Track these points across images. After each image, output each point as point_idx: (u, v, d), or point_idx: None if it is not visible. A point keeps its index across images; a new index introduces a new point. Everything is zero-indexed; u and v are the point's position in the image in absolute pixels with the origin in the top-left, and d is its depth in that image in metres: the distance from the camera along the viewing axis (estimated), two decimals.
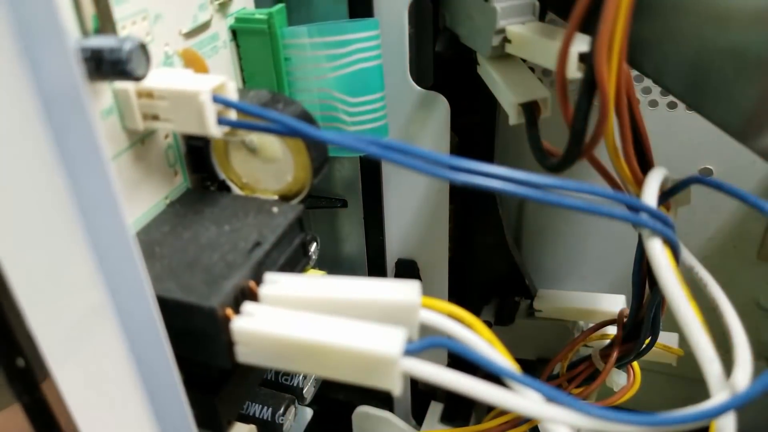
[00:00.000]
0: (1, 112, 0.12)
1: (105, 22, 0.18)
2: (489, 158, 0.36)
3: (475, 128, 0.35)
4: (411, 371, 0.17)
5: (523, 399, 0.16)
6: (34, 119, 0.13)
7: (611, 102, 0.18)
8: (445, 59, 0.31)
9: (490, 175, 0.17)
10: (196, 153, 0.23)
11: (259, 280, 0.19)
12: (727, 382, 0.17)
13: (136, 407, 0.17)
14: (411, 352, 0.17)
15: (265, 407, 0.26)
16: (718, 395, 0.17)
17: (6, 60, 0.12)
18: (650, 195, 0.20)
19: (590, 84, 0.18)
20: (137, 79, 0.17)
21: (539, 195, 0.17)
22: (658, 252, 0.19)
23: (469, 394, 0.16)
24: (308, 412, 0.32)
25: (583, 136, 0.19)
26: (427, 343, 0.17)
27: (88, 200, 0.15)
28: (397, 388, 0.17)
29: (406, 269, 0.36)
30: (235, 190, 0.23)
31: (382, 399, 0.39)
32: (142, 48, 0.17)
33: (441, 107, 0.30)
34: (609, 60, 0.18)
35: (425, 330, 0.18)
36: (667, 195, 0.22)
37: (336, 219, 0.37)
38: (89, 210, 0.15)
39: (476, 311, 0.41)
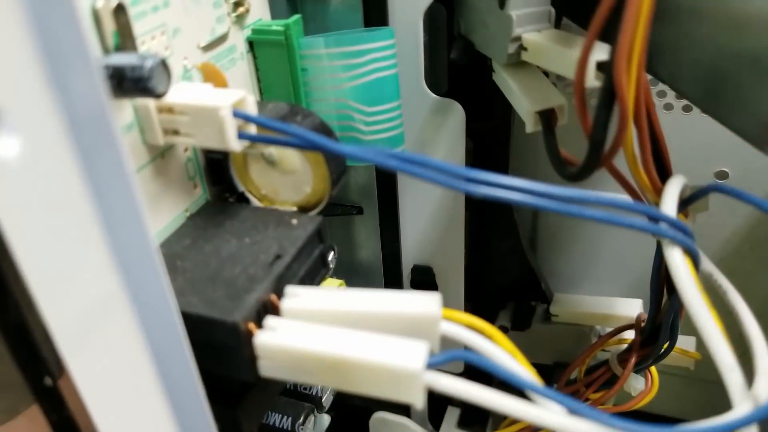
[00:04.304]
0: (34, 134, 0.12)
1: (125, 39, 0.18)
2: (504, 163, 0.36)
3: (490, 133, 0.35)
4: (433, 385, 0.17)
5: (546, 412, 0.16)
6: (63, 139, 0.13)
7: (631, 112, 0.18)
8: (459, 66, 0.31)
9: (510, 188, 0.17)
10: (215, 165, 0.23)
11: (280, 293, 0.19)
12: (749, 392, 0.17)
13: (162, 422, 0.17)
14: (433, 365, 0.17)
15: (285, 416, 0.26)
16: (741, 406, 0.17)
17: (37, 85, 0.12)
18: (670, 204, 0.20)
19: (610, 94, 0.18)
20: (159, 96, 0.17)
21: (559, 207, 0.17)
22: (679, 262, 0.19)
23: (492, 407, 0.16)
24: (326, 419, 0.32)
25: (602, 147, 0.19)
26: (449, 356, 0.17)
27: (114, 217, 0.15)
28: (420, 401, 0.17)
29: (422, 275, 0.36)
30: (254, 201, 0.24)
31: (398, 405, 0.39)
32: (164, 65, 0.17)
33: (456, 114, 0.30)
34: (628, 70, 0.18)
35: (444, 340, 0.18)
36: (685, 203, 0.22)
37: (352, 225, 0.37)
38: (114, 227, 0.15)
39: (492, 316, 0.41)
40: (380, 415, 0.39)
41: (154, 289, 0.16)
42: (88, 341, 0.15)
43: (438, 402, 0.42)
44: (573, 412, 0.16)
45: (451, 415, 0.42)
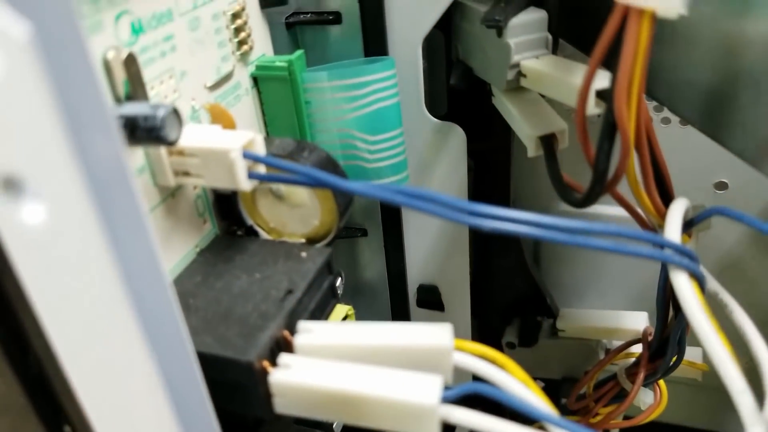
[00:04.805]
0: (56, 197, 0.12)
1: (136, 86, 0.19)
2: (506, 181, 0.36)
3: (491, 152, 0.36)
4: (448, 418, 0.17)
5: None
6: (84, 198, 0.13)
7: (632, 142, 0.19)
8: (458, 90, 0.32)
9: (516, 221, 0.18)
10: (224, 201, 0.23)
11: (292, 329, 0.20)
12: (761, 415, 0.18)
13: None
14: (448, 399, 0.17)
15: None
16: (753, 430, 0.17)
17: (57, 148, 0.12)
18: (674, 230, 0.20)
19: (611, 125, 0.19)
20: (171, 143, 0.17)
21: (567, 239, 0.18)
22: (685, 287, 0.19)
23: None
24: None
25: (605, 176, 0.20)
26: (464, 389, 0.17)
27: (131, 266, 0.15)
28: None
29: (428, 294, 0.36)
30: (263, 234, 0.24)
31: None
32: (175, 113, 0.17)
33: (457, 136, 0.31)
34: (629, 102, 0.18)
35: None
36: (688, 224, 0.22)
37: (356, 247, 0.37)
38: (133, 276, 0.15)
39: (499, 333, 0.41)
40: None
41: (172, 334, 0.16)
42: (106, 385, 0.15)
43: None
44: None
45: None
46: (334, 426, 0.28)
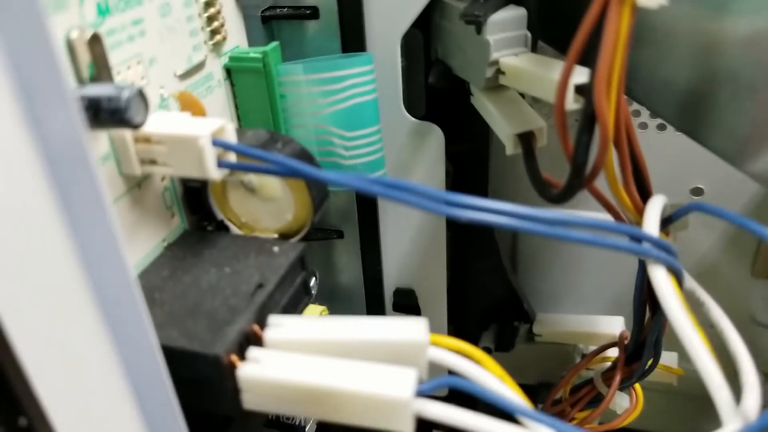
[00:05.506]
0: (7, 173, 0.12)
1: (101, 69, 0.18)
2: (483, 184, 0.36)
3: (469, 155, 0.36)
4: (423, 413, 0.16)
5: None
6: (39, 177, 0.13)
7: (611, 135, 0.19)
8: (437, 90, 0.31)
9: (494, 212, 0.17)
10: (194, 194, 0.23)
11: (262, 324, 0.19)
12: (738, 409, 0.17)
13: None
14: (422, 393, 0.16)
15: None
16: (731, 424, 0.17)
17: (10, 122, 0.12)
18: (652, 224, 0.20)
19: (590, 118, 0.18)
20: (136, 127, 0.17)
21: (545, 230, 0.17)
22: (663, 281, 0.19)
23: None
24: None
25: (584, 169, 0.19)
26: (438, 383, 0.17)
27: (92, 253, 0.14)
28: (409, 430, 0.16)
29: (405, 298, 0.36)
30: (234, 229, 0.23)
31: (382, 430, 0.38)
32: (141, 95, 0.17)
33: (435, 137, 0.31)
34: (608, 94, 0.18)
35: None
36: (666, 222, 0.22)
37: (332, 249, 0.37)
38: (92, 263, 0.14)
39: (476, 338, 0.40)
40: None
41: (134, 325, 0.15)
42: (64, 373, 0.14)
43: (423, 425, 0.42)
44: None
45: None
46: (306, 429, 0.28)
